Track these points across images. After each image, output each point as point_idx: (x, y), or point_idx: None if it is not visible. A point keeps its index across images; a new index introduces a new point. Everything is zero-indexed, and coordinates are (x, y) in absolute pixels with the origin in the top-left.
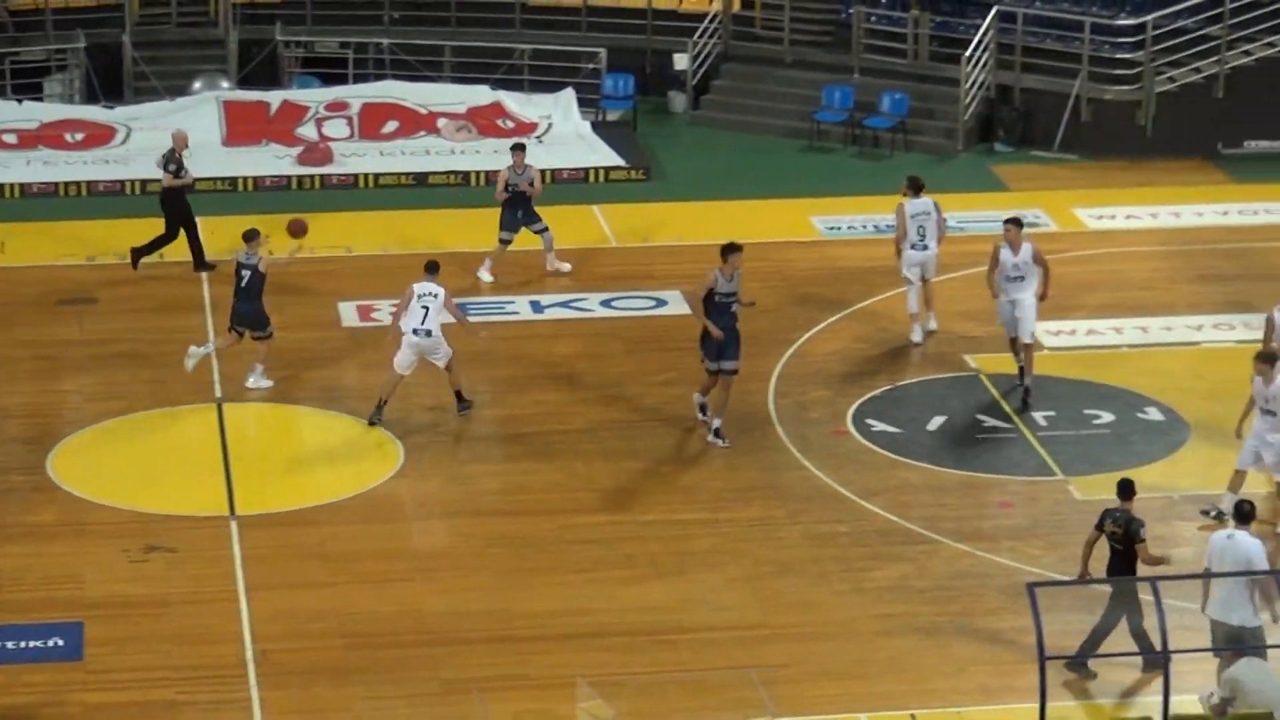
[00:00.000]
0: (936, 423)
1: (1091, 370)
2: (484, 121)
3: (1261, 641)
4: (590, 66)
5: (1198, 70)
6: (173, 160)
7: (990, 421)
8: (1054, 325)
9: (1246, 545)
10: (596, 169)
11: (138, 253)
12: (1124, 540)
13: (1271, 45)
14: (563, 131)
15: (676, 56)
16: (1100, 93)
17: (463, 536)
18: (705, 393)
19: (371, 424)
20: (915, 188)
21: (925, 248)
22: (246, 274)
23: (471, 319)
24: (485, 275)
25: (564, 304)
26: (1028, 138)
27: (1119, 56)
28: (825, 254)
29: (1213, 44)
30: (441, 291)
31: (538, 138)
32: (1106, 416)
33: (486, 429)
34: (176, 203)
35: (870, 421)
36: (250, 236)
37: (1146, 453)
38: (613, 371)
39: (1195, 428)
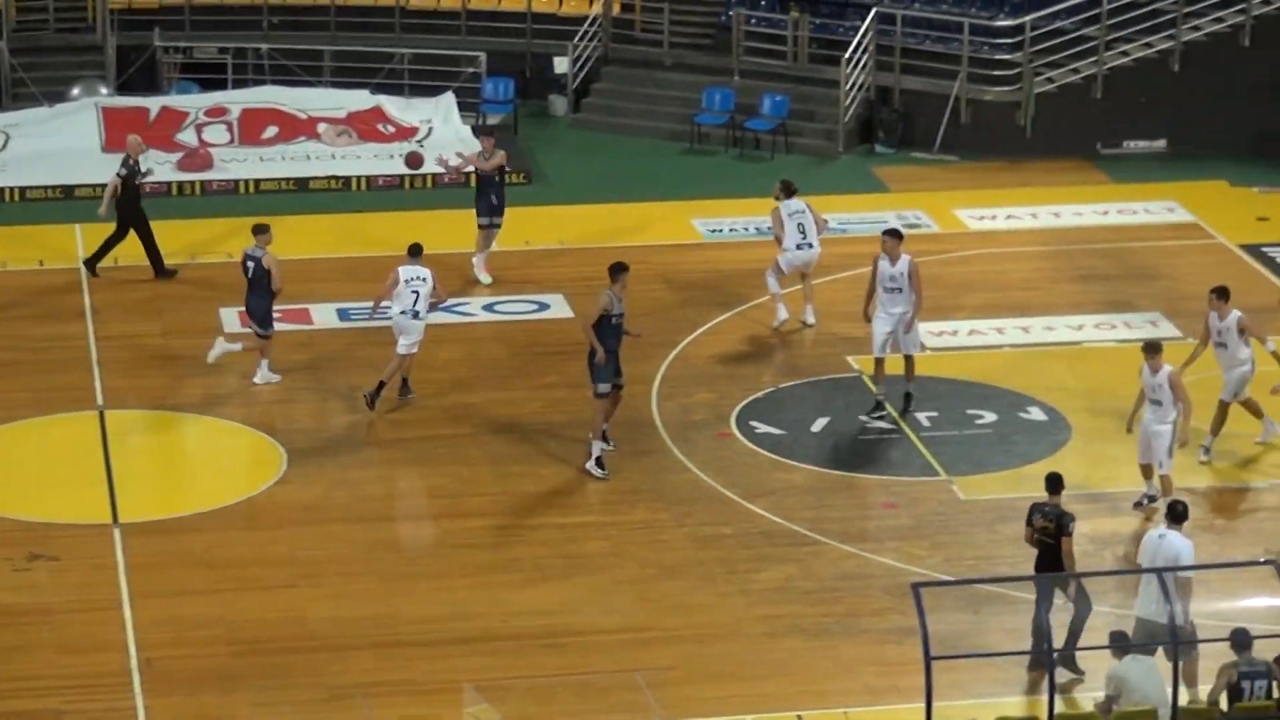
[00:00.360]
0: (820, 424)
1: (973, 370)
2: (364, 126)
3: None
4: (470, 70)
5: (1076, 71)
6: (126, 166)
7: (874, 422)
8: (936, 326)
9: (1177, 545)
10: None
11: (95, 259)
12: (1055, 534)
13: (1149, 46)
14: (443, 135)
15: (557, 60)
16: (980, 94)
17: (347, 542)
18: (608, 419)
19: (369, 406)
20: (788, 190)
21: (810, 245)
22: (251, 265)
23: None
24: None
25: (446, 308)
26: (908, 139)
27: (998, 58)
28: (707, 256)
29: (1091, 45)
30: (429, 274)
31: (418, 141)
32: (989, 416)
33: (369, 434)
34: (130, 206)
35: (754, 424)
36: (259, 230)
37: (1029, 452)
38: (495, 376)
39: (1077, 427)
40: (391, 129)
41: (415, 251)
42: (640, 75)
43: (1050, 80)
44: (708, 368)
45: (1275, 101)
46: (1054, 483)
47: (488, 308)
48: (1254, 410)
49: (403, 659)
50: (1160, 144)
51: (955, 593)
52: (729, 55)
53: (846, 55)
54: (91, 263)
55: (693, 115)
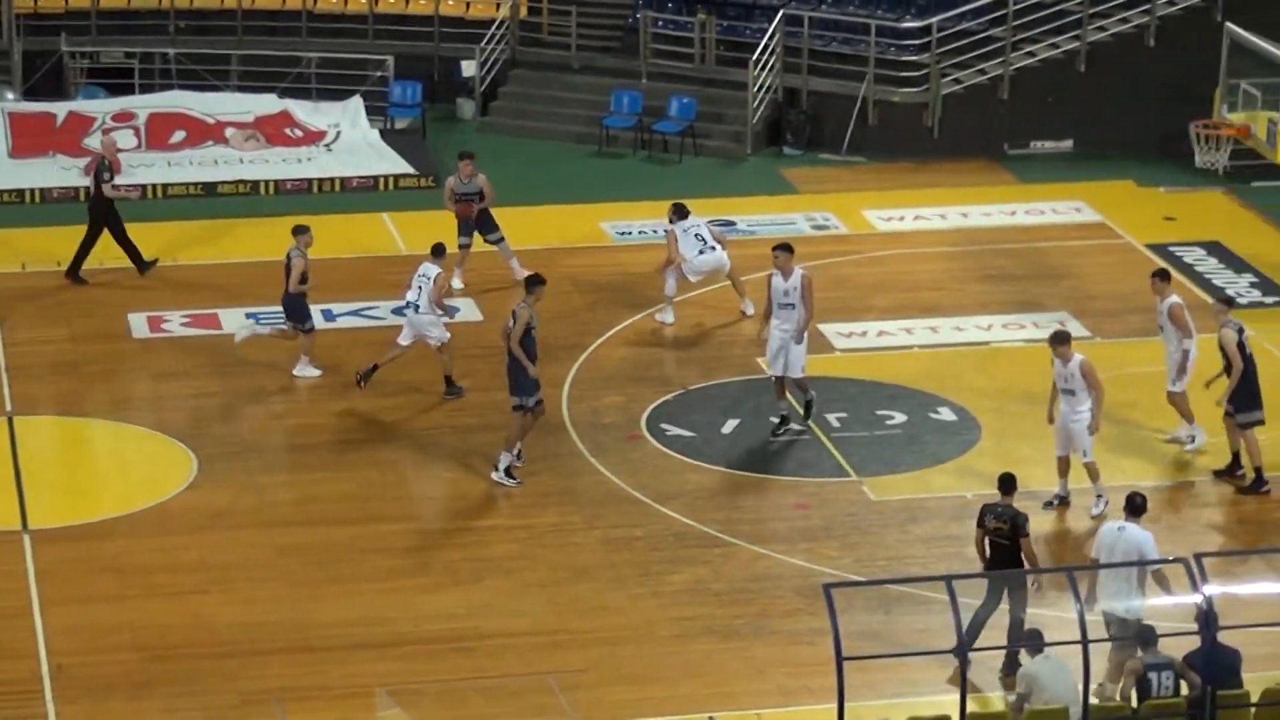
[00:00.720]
0: (730, 426)
1: (883, 371)
2: (272, 130)
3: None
4: (378, 74)
5: (983, 72)
6: (106, 169)
7: (781, 437)
8: (845, 327)
9: (1138, 537)
10: (385, 176)
11: (74, 266)
12: (1010, 535)
13: (1055, 46)
14: (351, 139)
15: (464, 63)
16: (887, 95)
17: (257, 547)
18: (525, 434)
19: (359, 384)
20: (680, 213)
21: (713, 249)
22: (286, 263)
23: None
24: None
25: (355, 312)
26: (816, 140)
27: (905, 59)
28: (616, 259)
29: (997, 46)
30: (434, 272)
31: (326, 146)
32: (899, 417)
33: (279, 439)
34: (102, 207)
35: (665, 426)
36: (298, 231)
37: (939, 453)
38: (405, 379)
39: (987, 427)
40: (299, 133)
41: (437, 251)
42: (548, 78)
43: (957, 81)
44: (618, 370)
45: (1180, 101)
46: (1007, 484)
47: (397, 311)
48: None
49: (314, 664)
50: (1067, 144)
51: (867, 593)
52: (636, 58)
53: (754, 57)
54: (73, 271)
55: (601, 118)
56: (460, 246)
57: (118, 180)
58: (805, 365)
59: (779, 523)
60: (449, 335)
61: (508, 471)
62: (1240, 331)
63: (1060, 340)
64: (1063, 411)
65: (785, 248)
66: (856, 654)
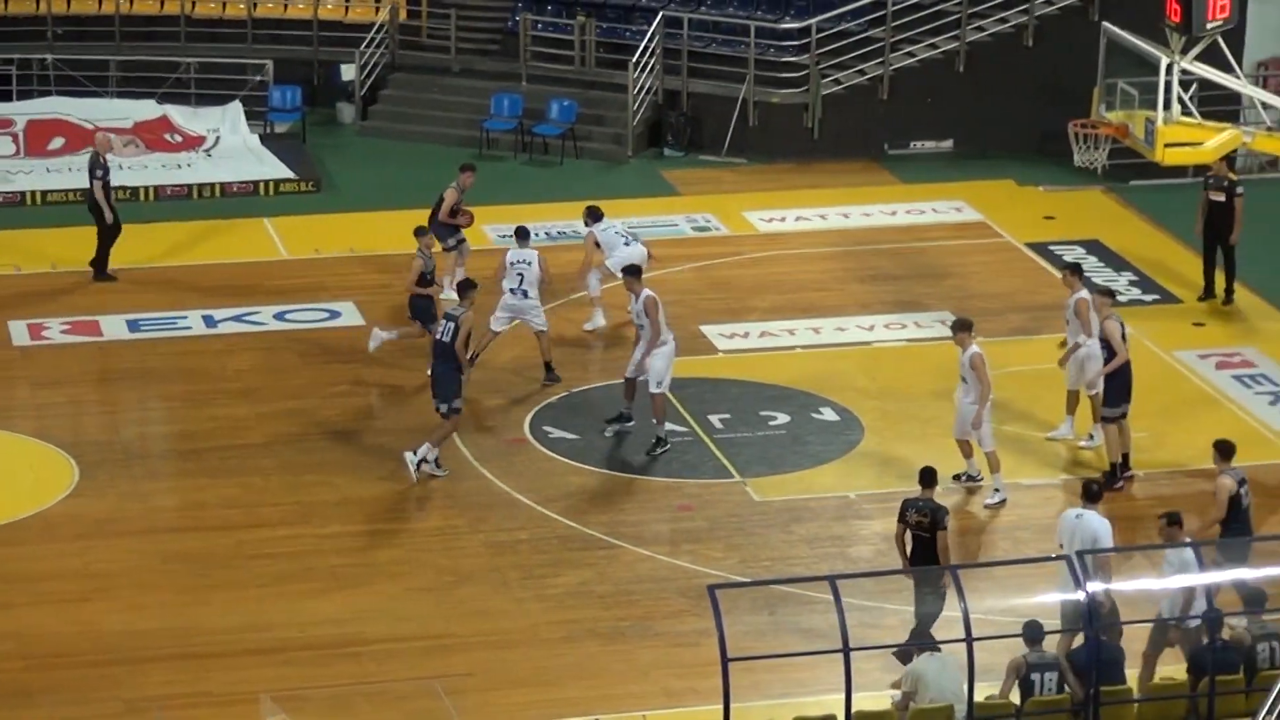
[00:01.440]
0: (612, 430)
1: (766, 372)
2: (151, 136)
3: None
4: (257, 79)
5: (862, 73)
6: (99, 165)
7: (667, 425)
8: (727, 328)
9: (1094, 524)
10: (266, 181)
11: (99, 265)
12: (930, 529)
13: (934, 47)
14: (231, 144)
15: (344, 67)
16: (767, 96)
17: (141, 554)
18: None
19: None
20: (595, 215)
21: (635, 239)
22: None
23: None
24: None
25: (237, 318)
26: (696, 142)
27: (784, 60)
28: (498, 262)
29: (876, 46)
30: (534, 257)
31: (206, 151)
32: (782, 418)
33: (162, 445)
34: (95, 202)
35: (548, 429)
36: (420, 233)
37: (822, 453)
38: (288, 384)
39: (869, 427)
40: (179, 138)
41: (522, 235)
42: (428, 81)
43: (837, 82)
44: (500, 373)
45: (1059, 101)
46: (928, 477)
47: (279, 316)
48: (1071, 406)
49: (199, 670)
50: (947, 144)
51: (751, 594)
52: (516, 61)
53: (634, 59)
54: (101, 269)
55: (481, 121)
56: (447, 249)
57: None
58: (665, 380)
59: (663, 524)
60: (546, 322)
61: (437, 462)
62: (1123, 325)
63: (960, 328)
64: (957, 395)
65: (632, 270)
66: (742, 654)
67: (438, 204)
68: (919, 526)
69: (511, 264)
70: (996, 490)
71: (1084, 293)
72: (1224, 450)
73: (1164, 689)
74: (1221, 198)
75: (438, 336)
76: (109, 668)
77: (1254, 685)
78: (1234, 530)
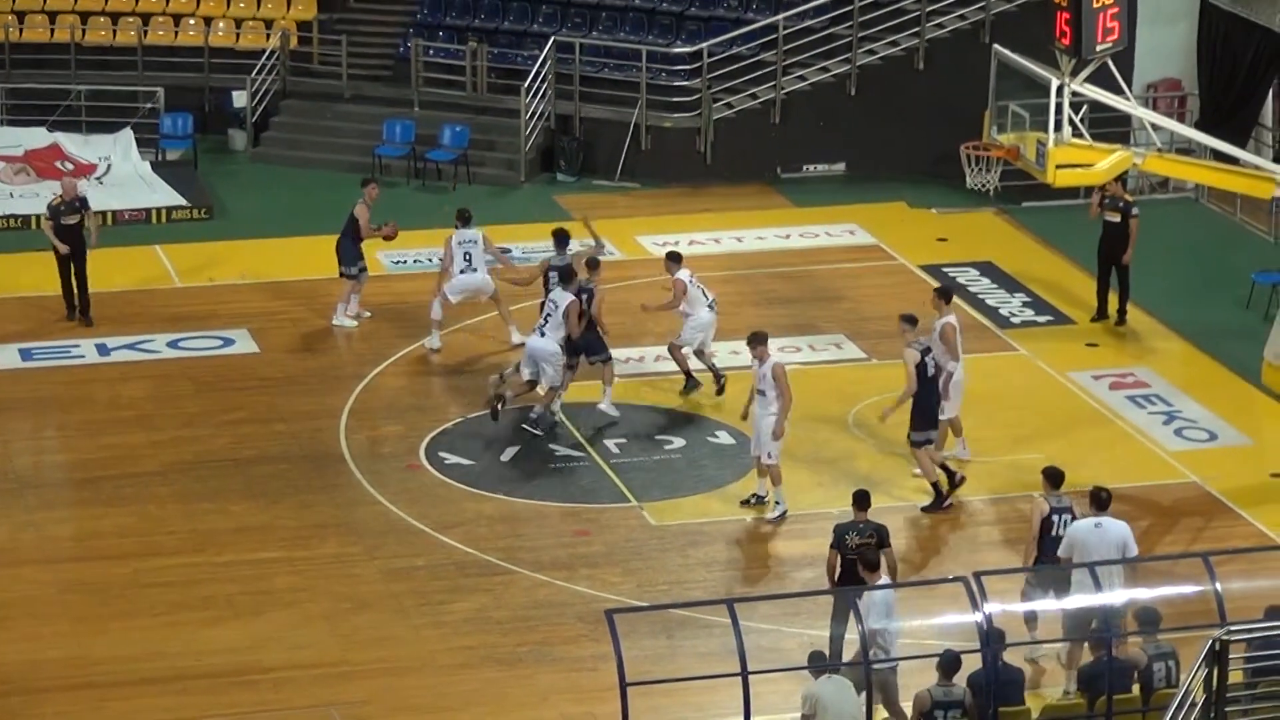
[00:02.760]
0: (510, 453)
1: (661, 396)
2: (42, 164)
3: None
4: (148, 106)
5: (754, 96)
6: (71, 207)
7: (563, 450)
8: (622, 353)
9: (1118, 531)
10: (158, 209)
11: (83, 307)
12: (876, 549)
13: (825, 70)
14: (122, 172)
15: (235, 94)
16: (659, 120)
17: (37, 584)
18: None
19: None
20: (464, 219)
21: (474, 270)
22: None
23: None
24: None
25: (130, 345)
26: (589, 167)
27: (677, 84)
28: (391, 288)
29: (768, 70)
30: (479, 235)
31: (97, 179)
32: (678, 442)
33: (56, 474)
34: (73, 241)
35: (444, 454)
36: (592, 265)
37: (718, 477)
38: (183, 412)
39: None
40: (70, 166)
41: (465, 217)
42: (319, 108)
43: (729, 106)
44: (396, 399)
45: (950, 123)
46: (863, 499)
47: (172, 344)
48: (953, 429)
49: (95, 700)
50: (839, 167)
51: (649, 618)
52: (408, 87)
53: (526, 84)
54: (83, 310)
55: (373, 147)
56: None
57: None
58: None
59: (560, 550)
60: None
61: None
62: (925, 353)
63: (757, 341)
64: (755, 411)
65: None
66: (640, 679)
67: (350, 223)
68: (861, 549)
69: (459, 244)
70: (778, 504)
71: (951, 318)
72: (1052, 478)
73: (1060, 709)
74: (1117, 218)
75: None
76: (5, 699)
77: (1150, 705)
78: (922, 398)
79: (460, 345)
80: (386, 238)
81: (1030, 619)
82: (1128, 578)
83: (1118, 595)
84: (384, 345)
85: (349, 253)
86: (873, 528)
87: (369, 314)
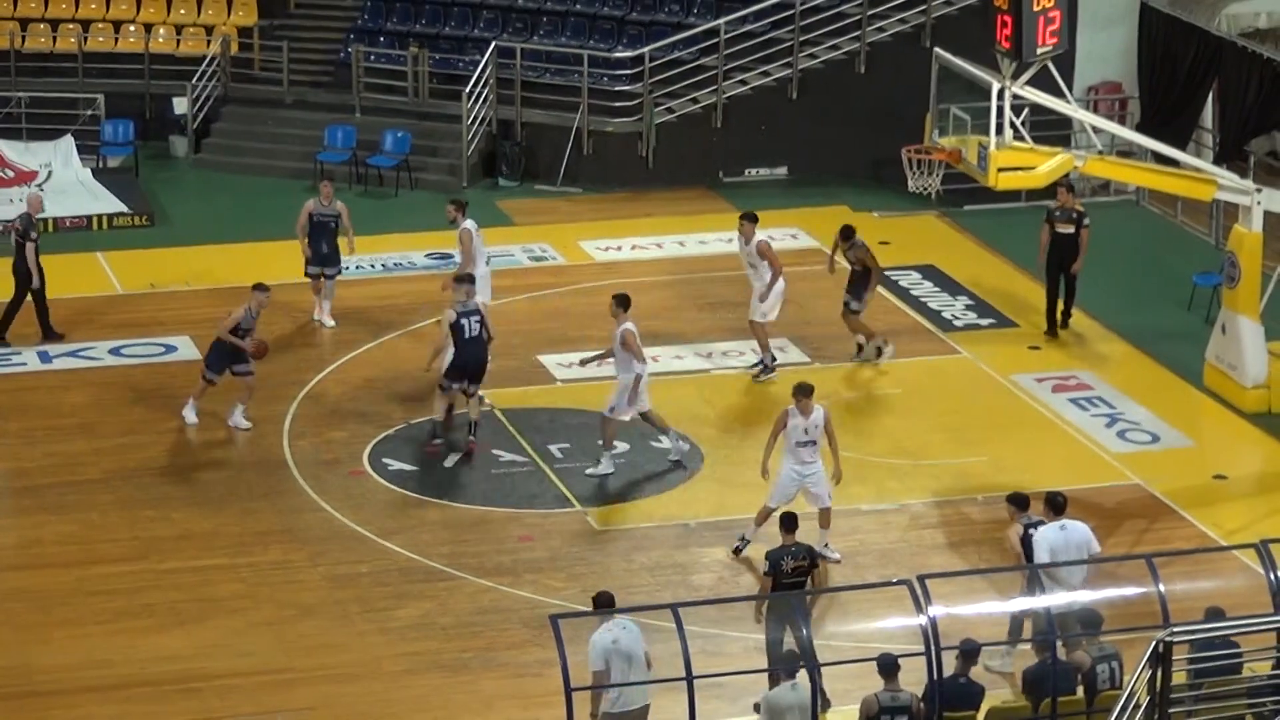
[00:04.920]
0: (453, 459)
1: (605, 401)
2: None
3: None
4: (89, 113)
5: (696, 101)
6: (32, 226)
7: (506, 456)
8: (564, 358)
9: (1081, 530)
10: (99, 216)
11: (45, 328)
12: (809, 570)
13: (767, 74)
14: (63, 179)
15: (176, 100)
16: (601, 125)
17: None
18: None
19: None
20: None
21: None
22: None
23: None
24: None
25: (72, 354)
26: (531, 172)
27: (618, 89)
28: (336, 295)
29: (709, 74)
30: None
31: (38, 186)
32: (621, 446)
33: None
34: (26, 267)
35: (387, 460)
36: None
37: (661, 482)
38: (125, 420)
39: (708, 454)
40: (10, 173)
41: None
42: (261, 114)
43: (670, 110)
44: (339, 405)
45: (892, 127)
46: (791, 522)
47: (114, 351)
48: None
49: (38, 709)
50: (781, 171)
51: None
52: (350, 92)
53: (467, 89)
54: (48, 331)
55: (315, 153)
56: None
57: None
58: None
59: (504, 555)
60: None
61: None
62: (461, 315)
63: (620, 304)
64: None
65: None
66: (585, 684)
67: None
68: (798, 572)
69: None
70: (600, 462)
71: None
72: (1019, 503)
73: (1005, 712)
74: (1070, 229)
75: (466, 336)
76: None
77: (1094, 707)
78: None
79: (401, 351)
80: (253, 354)
81: (1015, 627)
82: (1083, 578)
83: (1061, 597)
84: (326, 351)
85: (335, 255)
86: (804, 550)
87: (317, 319)
